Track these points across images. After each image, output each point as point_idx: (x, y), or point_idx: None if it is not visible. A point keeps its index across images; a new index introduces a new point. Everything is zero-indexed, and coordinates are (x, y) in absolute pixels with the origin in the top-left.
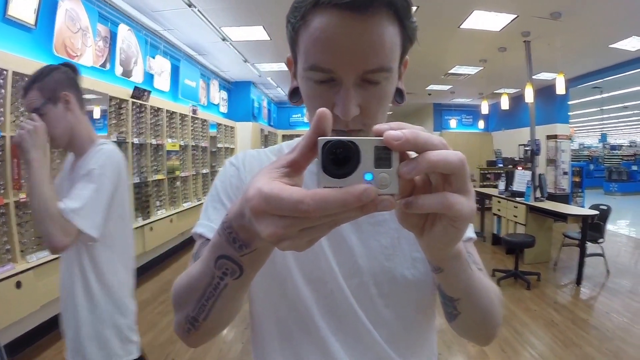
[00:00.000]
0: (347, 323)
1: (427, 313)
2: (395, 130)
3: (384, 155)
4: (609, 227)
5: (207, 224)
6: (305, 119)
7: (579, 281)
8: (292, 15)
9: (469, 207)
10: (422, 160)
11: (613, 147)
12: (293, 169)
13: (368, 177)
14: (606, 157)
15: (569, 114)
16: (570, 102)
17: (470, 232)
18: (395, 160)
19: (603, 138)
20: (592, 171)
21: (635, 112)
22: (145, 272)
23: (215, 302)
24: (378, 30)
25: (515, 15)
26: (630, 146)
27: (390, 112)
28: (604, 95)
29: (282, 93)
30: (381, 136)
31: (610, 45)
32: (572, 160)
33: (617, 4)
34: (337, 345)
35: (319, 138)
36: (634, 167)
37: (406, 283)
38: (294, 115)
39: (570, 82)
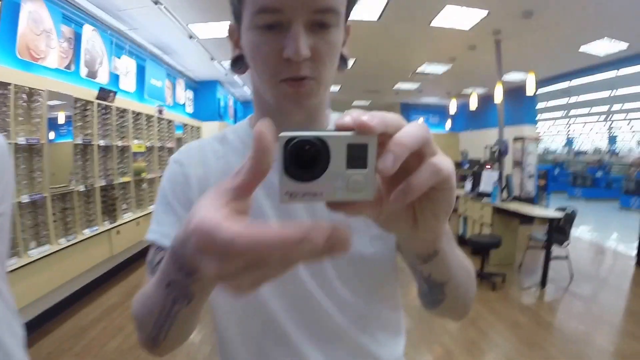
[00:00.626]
0: (306, 310)
1: (388, 290)
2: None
3: (358, 153)
4: (572, 232)
5: (157, 230)
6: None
7: (543, 283)
8: None
9: (449, 162)
10: (398, 146)
11: (578, 153)
12: (241, 192)
13: (340, 181)
14: (571, 162)
15: (536, 118)
16: (537, 107)
17: None
18: (371, 158)
19: (569, 143)
20: (557, 175)
21: (600, 118)
22: (112, 276)
23: (171, 326)
24: None
25: (487, 12)
26: (595, 152)
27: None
28: (571, 99)
29: (248, 92)
30: (351, 130)
31: (581, 47)
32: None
33: (589, 5)
34: (299, 333)
35: (280, 135)
36: (599, 174)
37: (364, 262)
38: None
39: (539, 84)
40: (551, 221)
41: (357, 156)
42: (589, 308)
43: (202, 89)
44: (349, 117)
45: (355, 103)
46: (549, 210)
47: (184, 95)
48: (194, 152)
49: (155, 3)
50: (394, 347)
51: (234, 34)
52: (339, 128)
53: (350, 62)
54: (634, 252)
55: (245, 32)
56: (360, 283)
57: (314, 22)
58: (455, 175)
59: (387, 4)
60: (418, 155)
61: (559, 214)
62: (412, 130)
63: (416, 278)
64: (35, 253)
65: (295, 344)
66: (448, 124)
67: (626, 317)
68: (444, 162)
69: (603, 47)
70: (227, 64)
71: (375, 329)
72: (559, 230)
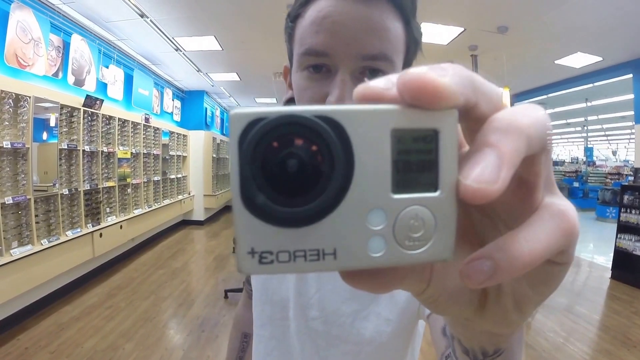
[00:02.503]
0: (288, 354)
1: None
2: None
3: (417, 155)
4: None
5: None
6: None
7: None
8: (292, 9)
9: (575, 210)
10: (510, 135)
11: (555, 163)
12: None
13: (375, 221)
14: None
15: None
16: None
17: None
18: (449, 165)
19: None
20: None
21: (577, 128)
22: (93, 277)
23: None
24: (381, 15)
25: (463, 29)
26: (572, 162)
27: None
28: (548, 111)
29: (234, 102)
30: (396, 102)
31: (555, 62)
32: None
33: (562, 20)
34: None
35: (233, 112)
36: (575, 184)
37: (360, 339)
38: None
39: (515, 97)
40: None
41: (415, 160)
42: (562, 323)
43: (189, 98)
44: (389, 78)
45: None
46: None
47: (172, 104)
48: None
49: (142, 16)
50: None
51: (288, 76)
52: (364, 97)
53: None
54: (609, 264)
55: (294, 73)
56: (350, 352)
57: (365, 69)
58: None
59: None
60: (527, 184)
61: None
62: (527, 112)
63: None
64: (17, 252)
65: None
66: None
67: (600, 332)
68: (571, 209)
69: (578, 59)
70: (213, 75)
71: None
72: None
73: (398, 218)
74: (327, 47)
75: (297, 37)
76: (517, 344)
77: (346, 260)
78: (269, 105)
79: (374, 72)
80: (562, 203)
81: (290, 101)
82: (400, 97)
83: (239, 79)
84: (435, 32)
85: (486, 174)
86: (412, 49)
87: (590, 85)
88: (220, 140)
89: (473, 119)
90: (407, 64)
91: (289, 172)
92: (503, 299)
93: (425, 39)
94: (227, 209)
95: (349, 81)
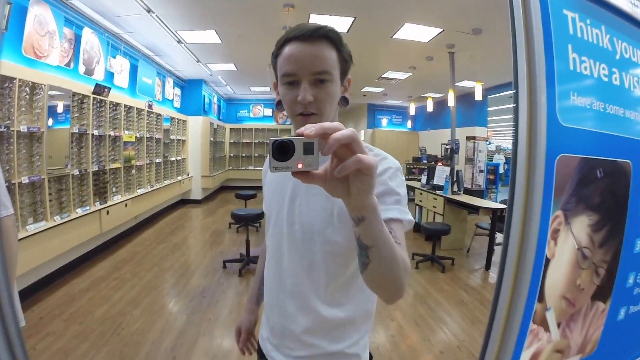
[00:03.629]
0: (280, 257)
1: (340, 264)
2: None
3: (309, 147)
4: None
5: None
6: (276, 118)
7: (488, 266)
8: (274, 50)
9: (372, 159)
10: (331, 140)
11: None
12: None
13: (299, 160)
14: None
15: (488, 118)
16: (489, 109)
17: (394, 213)
18: (316, 149)
19: None
20: (506, 170)
21: None
22: (101, 251)
23: None
24: (321, 50)
25: (441, 30)
26: None
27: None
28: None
29: (230, 90)
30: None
31: None
32: (488, 160)
33: None
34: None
35: (270, 139)
36: None
37: (325, 240)
38: (241, 111)
39: (488, 91)
40: (494, 211)
41: (308, 148)
42: None
43: (189, 86)
44: (302, 129)
45: None
46: (494, 202)
47: (173, 92)
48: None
49: (148, 11)
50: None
51: (276, 88)
52: (298, 135)
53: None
54: None
55: (279, 86)
56: (316, 248)
57: (316, 80)
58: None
59: (354, 20)
60: (352, 152)
61: (502, 206)
62: (342, 132)
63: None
64: (32, 228)
65: (280, 268)
66: (409, 123)
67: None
68: (367, 158)
69: None
70: (211, 66)
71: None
72: (502, 219)
73: (305, 160)
74: (294, 71)
75: (278, 66)
76: (374, 219)
77: (292, 168)
78: (263, 93)
79: (322, 81)
80: (363, 155)
81: (280, 102)
82: (304, 136)
83: (235, 69)
84: (417, 32)
85: (326, 149)
86: (345, 64)
87: None
88: (217, 125)
89: (328, 136)
90: (344, 72)
91: (281, 151)
92: (353, 188)
93: (408, 37)
94: (222, 189)
95: (308, 86)
